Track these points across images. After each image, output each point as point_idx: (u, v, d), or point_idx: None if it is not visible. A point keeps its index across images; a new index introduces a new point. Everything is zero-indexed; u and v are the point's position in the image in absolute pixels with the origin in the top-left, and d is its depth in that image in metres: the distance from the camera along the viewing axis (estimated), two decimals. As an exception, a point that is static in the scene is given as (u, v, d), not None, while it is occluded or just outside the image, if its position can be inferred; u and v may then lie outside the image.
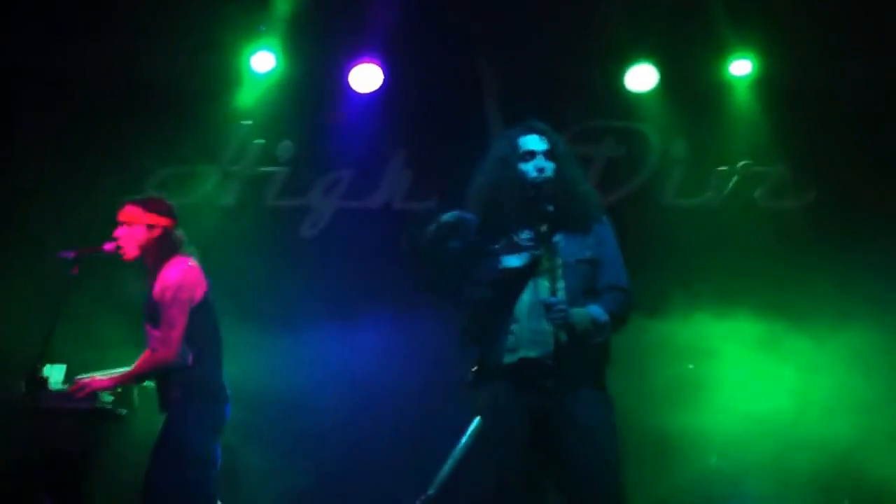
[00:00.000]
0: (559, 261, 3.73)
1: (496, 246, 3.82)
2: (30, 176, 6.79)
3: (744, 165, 7.14)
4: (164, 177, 6.96)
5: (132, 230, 4.75)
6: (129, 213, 4.78)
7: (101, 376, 4.77)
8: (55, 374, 5.01)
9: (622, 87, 6.99)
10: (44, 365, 4.63)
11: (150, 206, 4.80)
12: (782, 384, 6.49)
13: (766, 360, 6.65)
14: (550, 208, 3.76)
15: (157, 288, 4.63)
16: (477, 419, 3.95)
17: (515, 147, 3.95)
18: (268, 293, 6.67)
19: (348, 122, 7.09)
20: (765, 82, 7.03)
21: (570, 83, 6.97)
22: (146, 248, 4.74)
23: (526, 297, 3.78)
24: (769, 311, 6.67)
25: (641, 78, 6.98)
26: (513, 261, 3.82)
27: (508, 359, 3.77)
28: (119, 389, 4.89)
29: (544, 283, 3.76)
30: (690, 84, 7.07)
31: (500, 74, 7.21)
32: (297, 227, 7.11)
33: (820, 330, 6.58)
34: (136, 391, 5.07)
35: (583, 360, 3.72)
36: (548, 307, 3.65)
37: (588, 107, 7.10)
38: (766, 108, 7.04)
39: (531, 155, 3.91)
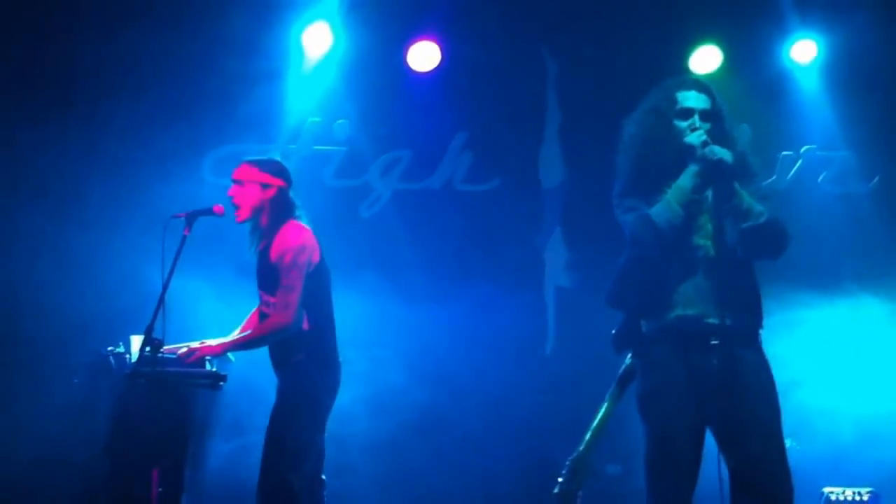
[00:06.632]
0: (714, 218, 3.67)
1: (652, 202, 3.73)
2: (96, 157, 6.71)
3: (807, 150, 7.09)
4: (222, 155, 6.85)
5: (246, 189, 4.66)
6: (244, 171, 4.68)
7: (210, 342, 4.66)
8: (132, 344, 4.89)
9: (687, 69, 6.86)
10: (152, 329, 4.44)
11: (265, 165, 4.69)
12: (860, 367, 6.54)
13: (831, 341, 6.64)
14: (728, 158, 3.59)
15: (275, 251, 4.53)
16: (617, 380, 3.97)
17: (673, 101, 3.80)
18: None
19: (407, 101, 6.99)
20: (829, 65, 6.96)
21: (633, 65, 6.85)
22: (260, 209, 4.65)
23: (681, 255, 3.71)
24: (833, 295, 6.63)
25: (706, 59, 6.90)
26: None
27: (665, 318, 3.71)
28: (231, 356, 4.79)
29: (699, 241, 3.71)
30: (754, 67, 6.98)
31: (560, 57, 7.11)
32: (355, 208, 7.02)
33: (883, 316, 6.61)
34: None
35: (743, 318, 3.66)
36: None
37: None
38: (831, 92, 6.98)
39: (688, 113, 3.77)
